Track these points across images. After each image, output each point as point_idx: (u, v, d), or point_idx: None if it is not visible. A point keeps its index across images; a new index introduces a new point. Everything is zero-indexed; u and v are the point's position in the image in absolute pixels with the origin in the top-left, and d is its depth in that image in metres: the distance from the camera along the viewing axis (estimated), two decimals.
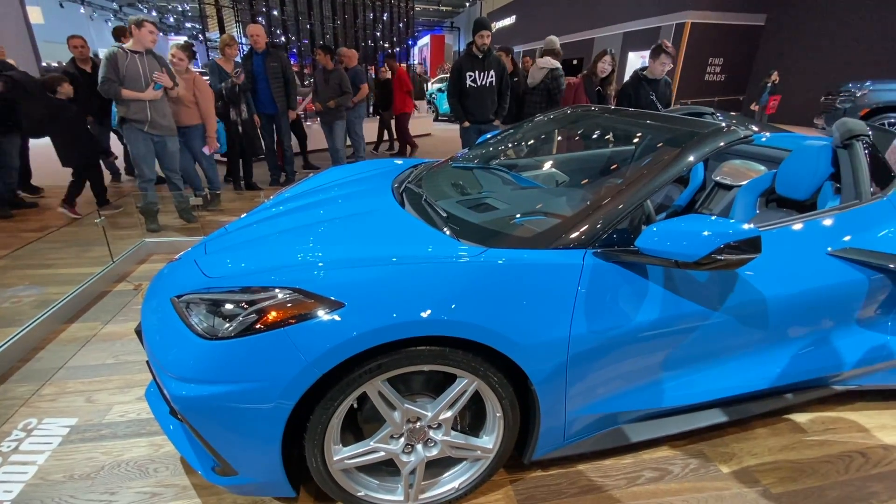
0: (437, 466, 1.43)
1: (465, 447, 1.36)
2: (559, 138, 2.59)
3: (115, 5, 30.25)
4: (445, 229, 1.50)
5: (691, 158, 1.44)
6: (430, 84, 14.58)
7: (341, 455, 1.27)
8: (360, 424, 1.34)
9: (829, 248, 1.57)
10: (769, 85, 10.02)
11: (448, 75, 5.14)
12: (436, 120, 12.61)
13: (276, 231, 1.73)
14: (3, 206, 4.25)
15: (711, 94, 13.08)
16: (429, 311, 1.15)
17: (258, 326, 1.15)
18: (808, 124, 9.84)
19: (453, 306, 1.17)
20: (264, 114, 5.10)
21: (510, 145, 2.56)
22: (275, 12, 8.06)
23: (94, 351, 2.24)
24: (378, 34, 9.97)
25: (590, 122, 2.35)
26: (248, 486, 1.27)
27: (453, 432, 1.35)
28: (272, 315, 1.15)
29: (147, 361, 1.44)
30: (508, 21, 24.61)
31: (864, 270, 1.56)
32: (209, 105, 4.02)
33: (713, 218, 1.23)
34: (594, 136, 2.35)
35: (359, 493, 1.34)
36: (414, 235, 1.50)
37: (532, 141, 2.61)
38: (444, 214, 1.61)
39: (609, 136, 2.24)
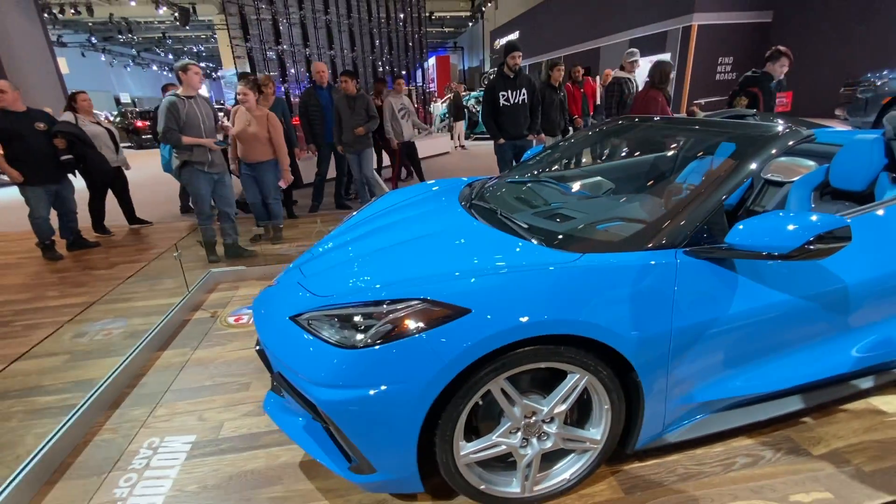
0: (545, 461, 1.53)
1: (576, 439, 1.47)
2: (621, 150, 2.72)
3: (133, 51, 31.68)
4: (533, 239, 1.63)
5: (763, 158, 1.56)
6: (441, 104, 14.77)
7: (467, 450, 1.38)
8: (476, 423, 1.45)
9: None
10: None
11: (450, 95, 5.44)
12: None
13: (369, 251, 1.87)
14: (52, 248, 4.48)
15: (723, 92, 13.10)
16: (546, 313, 1.28)
17: (395, 334, 1.28)
18: (820, 116, 9.80)
19: (567, 306, 1.30)
20: (329, 143, 5.44)
21: (565, 158, 2.70)
22: (285, 46, 8.34)
23: (192, 374, 2.41)
24: (390, 59, 10.34)
25: (648, 131, 2.48)
26: (384, 482, 1.39)
27: (564, 426, 1.46)
28: (407, 323, 1.28)
29: (276, 375, 1.57)
30: (513, 37, 25.08)
31: None
32: (282, 140, 4.21)
33: (798, 213, 1.33)
34: (659, 145, 2.47)
35: (481, 487, 1.44)
36: (507, 246, 1.62)
37: (584, 152, 2.74)
38: (526, 226, 1.74)
39: (673, 144, 2.36)
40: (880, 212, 1.76)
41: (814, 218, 1.28)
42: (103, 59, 30.08)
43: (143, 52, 33.34)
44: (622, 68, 4.93)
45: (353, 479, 1.41)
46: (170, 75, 40.63)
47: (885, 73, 7.34)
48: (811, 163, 2.36)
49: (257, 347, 1.76)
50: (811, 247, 1.26)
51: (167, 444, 1.91)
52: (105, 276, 3.98)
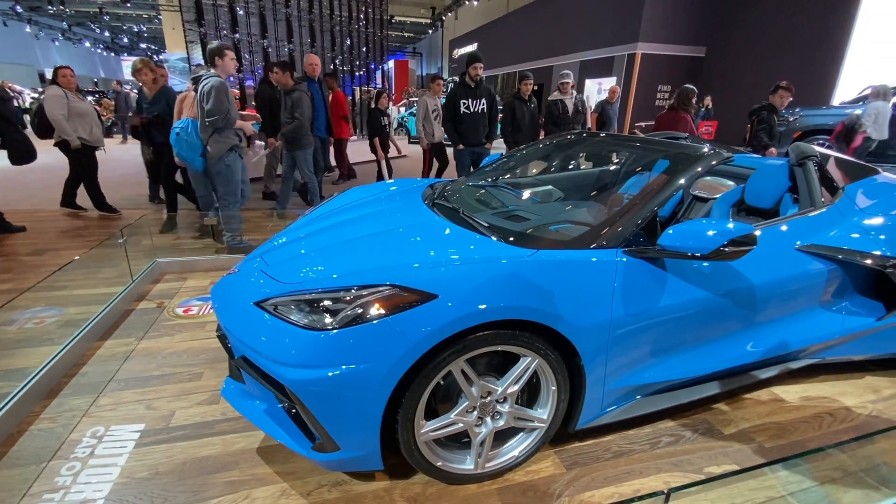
0: (496, 440, 1.66)
1: (526, 418, 1.61)
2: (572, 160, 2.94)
3: (64, 24, 29.12)
4: (493, 236, 1.77)
5: (691, 174, 1.80)
6: (398, 108, 14.78)
7: (426, 428, 1.48)
8: (434, 405, 1.55)
9: (798, 243, 1.96)
10: (702, 110, 11.08)
11: (415, 99, 5.59)
12: (409, 142, 12.98)
13: (335, 242, 1.92)
14: None
15: None
16: (504, 300, 1.41)
17: (364, 317, 1.36)
18: (743, 144, 10.90)
19: (523, 295, 1.44)
20: (318, 137, 5.29)
21: (518, 167, 2.89)
22: (236, 36, 8.08)
23: (138, 364, 2.32)
24: (350, 58, 10.30)
25: (596, 146, 2.71)
26: (346, 460, 1.45)
27: (516, 405, 1.60)
28: (377, 307, 1.37)
29: (239, 359, 1.59)
30: (470, 48, 25.65)
31: (823, 262, 1.96)
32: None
33: (717, 221, 1.56)
34: (604, 158, 2.71)
35: (437, 464, 1.55)
36: (470, 242, 1.74)
37: (536, 162, 2.94)
38: (486, 224, 1.88)
39: (617, 158, 2.60)
40: (784, 227, 2.07)
41: (730, 225, 1.51)
42: (28, 29, 27.36)
43: (76, 26, 30.71)
44: (559, 90, 5.26)
45: (315, 457, 1.46)
46: (105, 53, 37.61)
47: (797, 110, 8.29)
48: (731, 183, 2.69)
49: (218, 333, 1.77)
50: (726, 249, 1.48)
51: (113, 433, 1.85)
52: (32, 263, 3.71)
